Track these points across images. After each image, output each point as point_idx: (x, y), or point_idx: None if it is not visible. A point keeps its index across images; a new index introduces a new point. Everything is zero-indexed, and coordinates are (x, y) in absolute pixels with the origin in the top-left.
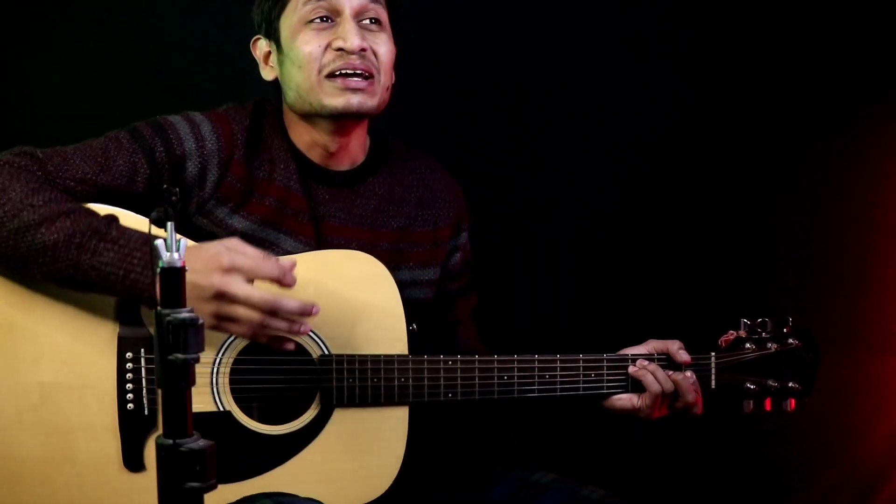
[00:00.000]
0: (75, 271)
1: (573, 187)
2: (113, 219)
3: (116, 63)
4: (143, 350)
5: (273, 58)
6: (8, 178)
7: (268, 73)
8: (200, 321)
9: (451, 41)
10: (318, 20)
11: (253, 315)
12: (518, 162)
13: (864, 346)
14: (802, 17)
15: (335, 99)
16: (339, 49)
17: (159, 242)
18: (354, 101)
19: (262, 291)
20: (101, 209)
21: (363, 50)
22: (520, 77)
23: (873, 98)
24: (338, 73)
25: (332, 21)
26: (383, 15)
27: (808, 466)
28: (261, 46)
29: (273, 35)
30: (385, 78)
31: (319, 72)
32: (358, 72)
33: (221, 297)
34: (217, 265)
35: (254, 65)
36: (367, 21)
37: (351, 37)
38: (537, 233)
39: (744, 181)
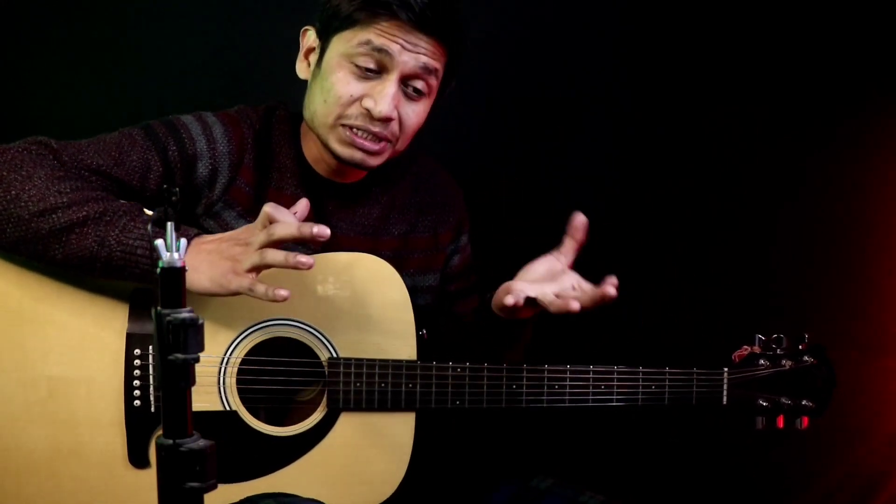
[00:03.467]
0: (100, 247)
1: (583, 197)
2: (142, 206)
3: (118, 63)
4: (150, 347)
5: (313, 58)
6: (31, 165)
7: (302, 70)
8: (200, 321)
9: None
10: (364, 68)
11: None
12: (526, 172)
13: (864, 347)
14: (802, 19)
15: (342, 148)
16: (367, 109)
17: (159, 242)
18: (358, 156)
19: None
20: None
21: (389, 119)
22: (532, 82)
23: (873, 100)
24: (355, 128)
25: (376, 74)
26: (433, 83)
27: (808, 466)
28: (309, 38)
29: (323, 41)
30: (402, 144)
31: (339, 118)
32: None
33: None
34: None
35: (255, 66)
36: (411, 89)
37: (383, 102)
38: (545, 242)
39: (746, 186)
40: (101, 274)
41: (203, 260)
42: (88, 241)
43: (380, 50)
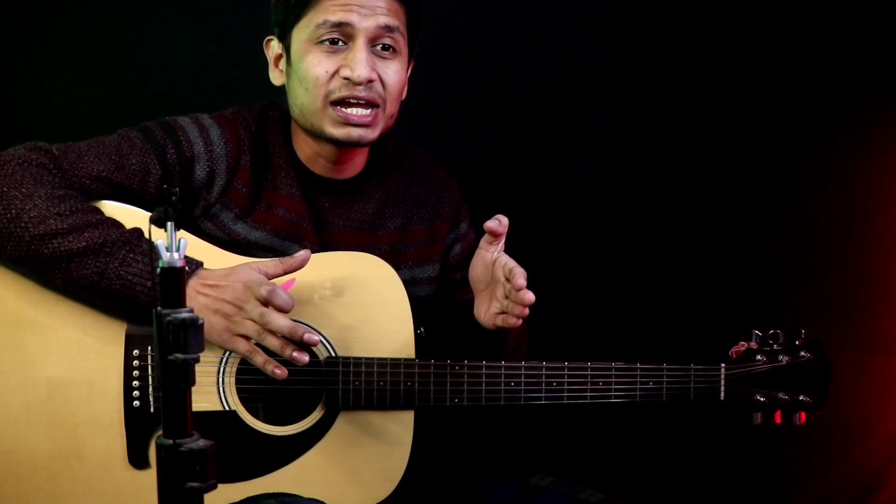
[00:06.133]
0: (100, 279)
1: (583, 197)
2: (141, 232)
3: (119, 63)
4: (150, 348)
5: (283, 63)
6: (32, 183)
7: (276, 78)
8: (200, 321)
9: (452, 40)
10: (329, 42)
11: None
12: (526, 171)
13: (864, 346)
14: (801, 19)
15: (336, 129)
16: (347, 78)
17: (160, 242)
18: (355, 134)
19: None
20: (116, 207)
21: (371, 81)
22: (532, 82)
23: (872, 99)
24: (342, 102)
25: (343, 44)
26: (399, 41)
27: (808, 466)
28: (273, 48)
29: (285, 41)
30: (391, 107)
31: (325, 97)
32: (362, 102)
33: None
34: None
35: (256, 67)
36: (380, 48)
37: (359, 67)
38: (543, 239)
39: (746, 184)
40: (101, 302)
41: (199, 307)
42: (88, 272)
43: (339, 24)
